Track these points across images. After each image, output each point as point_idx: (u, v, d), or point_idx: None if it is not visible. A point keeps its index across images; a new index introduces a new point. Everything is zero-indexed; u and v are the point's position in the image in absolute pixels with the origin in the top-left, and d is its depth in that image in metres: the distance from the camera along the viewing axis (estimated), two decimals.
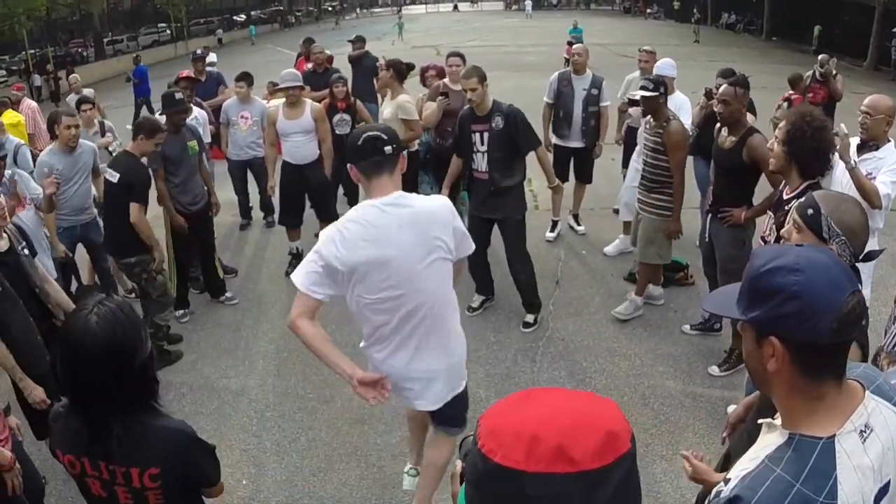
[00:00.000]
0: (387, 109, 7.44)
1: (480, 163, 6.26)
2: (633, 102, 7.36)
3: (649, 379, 5.70)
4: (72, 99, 10.60)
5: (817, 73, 10.86)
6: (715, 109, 5.83)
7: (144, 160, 6.11)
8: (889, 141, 4.97)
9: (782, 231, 3.21)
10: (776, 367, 1.61)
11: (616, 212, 9.11)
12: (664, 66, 7.82)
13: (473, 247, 3.52)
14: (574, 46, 8.46)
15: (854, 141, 5.01)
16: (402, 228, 3.21)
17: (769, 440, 1.70)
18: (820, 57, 11.30)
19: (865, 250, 2.82)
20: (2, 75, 31.98)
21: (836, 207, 2.81)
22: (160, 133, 5.94)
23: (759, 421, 1.81)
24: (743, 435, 3.19)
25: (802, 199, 2.99)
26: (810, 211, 2.84)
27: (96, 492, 2.30)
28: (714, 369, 5.73)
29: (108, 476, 2.23)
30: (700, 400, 5.40)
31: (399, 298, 3.28)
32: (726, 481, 1.70)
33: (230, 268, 8.06)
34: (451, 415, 3.87)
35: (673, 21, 48.78)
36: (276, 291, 7.64)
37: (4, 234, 4.29)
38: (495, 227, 6.59)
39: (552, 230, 8.56)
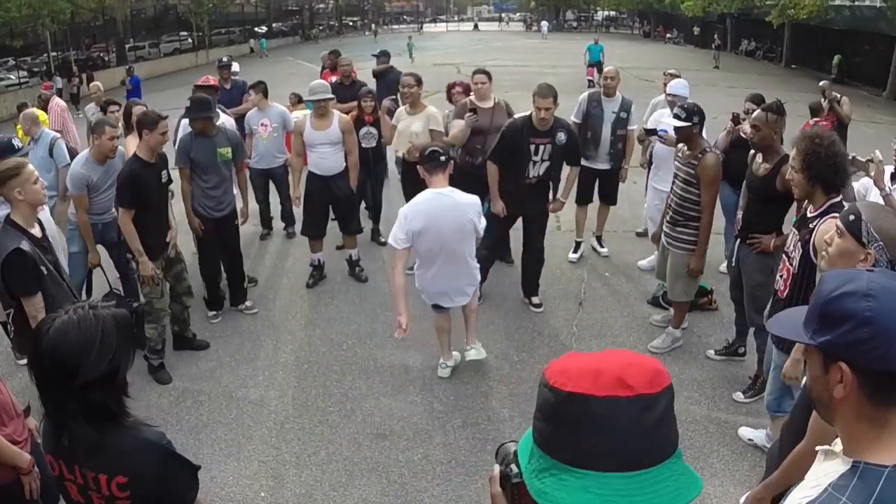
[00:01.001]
0: (416, 123, 7.41)
1: (532, 171, 6.75)
2: (649, 132, 7.36)
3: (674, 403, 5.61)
4: (90, 108, 10.53)
5: (823, 103, 10.87)
6: (743, 135, 5.80)
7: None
8: None
9: (826, 236, 3.33)
10: (843, 393, 1.57)
11: (639, 234, 9.12)
12: (676, 86, 7.84)
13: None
14: (606, 69, 8.41)
15: (888, 169, 4.97)
16: (446, 209, 5.45)
17: (829, 468, 1.66)
18: (821, 84, 11.31)
19: None
20: (24, 76, 32.21)
21: (876, 216, 2.98)
22: (162, 121, 5.82)
23: (817, 448, 1.78)
24: (774, 462, 3.19)
25: (846, 207, 3.21)
26: (852, 217, 3.00)
27: (74, 497, 2.28)
28: (739, 395, 5.67)
29: (81, 480, 2.20)
30: (725, 426, 5.33)
31: (437, 249, 5.53)
32: None
33: (251, 277, 8.05)
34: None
35: (692, 46, 48.86)
36: (296, 302, 7.61)
37: (36, 222, 4.35)
38: None
39: (575, 251, 8.52)
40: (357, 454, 5.12)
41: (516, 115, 6.98)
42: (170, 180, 6.23)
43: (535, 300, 7.29)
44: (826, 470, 1.67)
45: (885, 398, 1.56)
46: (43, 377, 2.11)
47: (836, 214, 3.72)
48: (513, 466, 1.40)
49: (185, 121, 7.63)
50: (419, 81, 7.68)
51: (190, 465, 2.35)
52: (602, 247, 8.77)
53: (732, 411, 5.50)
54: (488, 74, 7.76)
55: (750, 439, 5.12)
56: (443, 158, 5.54)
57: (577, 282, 7.86)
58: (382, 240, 9.01)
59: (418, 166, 5.64)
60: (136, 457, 2.18)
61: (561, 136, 6.66)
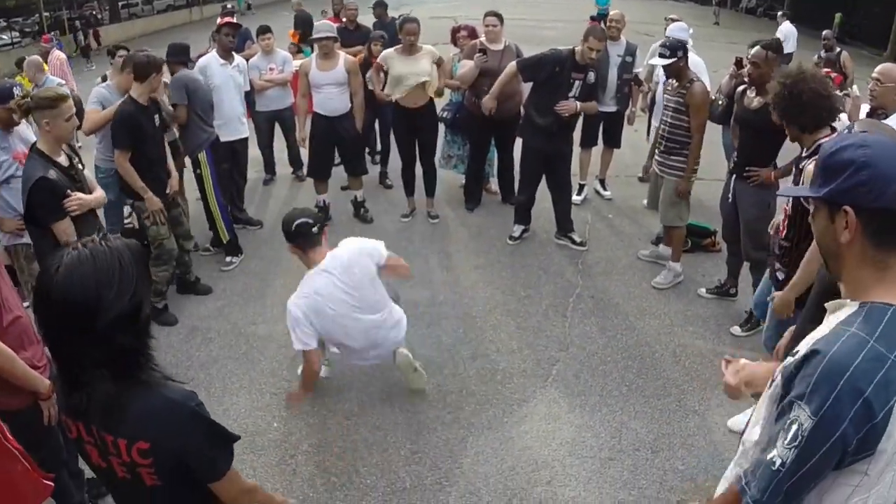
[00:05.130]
0: (423, 61, 7.33)
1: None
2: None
3: (679, 338, 5.70)
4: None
5: (822, 54, 10.98)
6: (744, 72, 5.86)
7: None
8: None
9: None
10: (849, 237, 1.74)
11: (641, 180, 9.15)
12: (675, 29, 8.11)
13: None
14: (612, 13, 8.38)
15: (864, 108, 5.03)
16: (339, 283, 4.41)
17: (839, 315, 1.80)
18: (824, 33, 11.48)
19: None
20: (16, 37, 31.81)
21: (864, 126, 2.94)
22: (156, 76, 5.78)
23: (827, 304, 1.91)
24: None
25: None
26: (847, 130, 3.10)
27: (95, 461, 2.05)
28: (736, 329, 5.78)
29: (101, 443, 1.97)
30: None
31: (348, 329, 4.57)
32: (794, 354, 1.81)
33: (255, 220, 8.07)
34: None
35: (692, 3, 48.32)
36: None
37: (63, 152, 4.50)
38: None
39: (578, 193, 8.53)
40: (369, 385, 5.17)
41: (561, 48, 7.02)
42: (163, 124, 6.19)
43: (576, 238, 7.36)
44: (836, 317, 1.80)
45: (886, 241, 1.74)
46: (56, 325, 1.83)
47: None
48: None
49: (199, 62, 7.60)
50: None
51: (224, 433, 2.07)
52: (605, 190, 8.81)
53: (737, 346, 5.56)
54: (500, 17, 7.72)
55: None
56: (315, 230, 4.45)
57: (582, 223, 7.86)
58: (389, 183, 9.04)
59: (290, 246, 4.56)
60: (160, 420, 1.91)
61: (591, 76, 6.84)
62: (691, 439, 4.56)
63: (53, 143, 4.42)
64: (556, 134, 6.90)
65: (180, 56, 7.07)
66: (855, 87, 4.83)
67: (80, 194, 4.47)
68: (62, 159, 4.48)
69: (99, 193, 4.80)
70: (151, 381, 1.92)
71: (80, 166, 4.66)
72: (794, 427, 1.65)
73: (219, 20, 7.88)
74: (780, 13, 14.18)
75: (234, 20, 7.92)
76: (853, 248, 1.75)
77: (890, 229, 1.73)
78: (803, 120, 4.06)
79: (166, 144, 6.31)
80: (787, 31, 15.35)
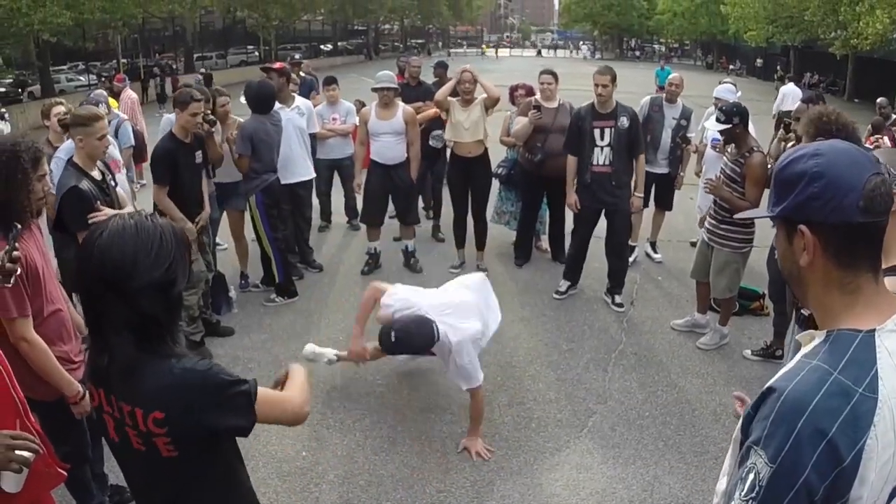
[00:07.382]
0: (475, 110, 7.52)
1: (599, 156, 6.83)
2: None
3: (721, 397, 5.60)
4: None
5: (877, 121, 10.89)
6: (792, 135, 5.84)
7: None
8: None
9: None
10: (809, 259, 1.55)
11: (693, 244, 9.07)
12: (722, 90, 8.15)
13: None
14: (671, 76, 8.47)
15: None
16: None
17: (807, 349, 1.61)
18: (878, 100, 11.33)
19: None
20: (93, 80, 33.10)
21: (891, 157, 2.93)
22: (194, 103, 5.86)
23: (797, 337, 1.74)
24: None
25: None
26: None
27: (111, 434, 2.08)
28: None
29: (118, 414, 2.00)
30: None
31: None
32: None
33: (317, 263, 8.27)
34: None
35: (755, 78, 48.37)
36: (350, 287, 7.72)
37: (96, 167, 4.74)
38: None
39: (629, 254, 8.46)
40: (401, 424, 5.18)
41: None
42: (205, 161, 6.32)
43: (617, 299, 7.27)
44: (804, 351, 1.62)
45: (852, 260, 1.54)
46: (91, 285, 1.91)
47: None
48: None
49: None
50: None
51: (239, 402, 2.02)
52: (656, 253, 8.77)
53: None
54: (555, 75, 7.88)
55: None
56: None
57: (630, 283, 7.81)
58: (441, 236, 9.13)
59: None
60: (170, 390, 1.94)
61: (624, 121, 6.82)
62: None
63: (86, 158, 4.65)
64: (599, 190, 6.93)
65: (263, 106, 6.98)
66: (885, 138, 4.84)
67: (106, 209, 4.54)
68: (95, 173, 4.69)
69: (129, 209, 4.92)
70: (171, 354, 1.98)
71: (112, 182, 4.89)
72: (752, 476, 1.44)
73: (278, 63, 8.22)
74: (782, 74, 14.80)
75: (285, 65, 8.27)
76: (815, 272, 1.57)
77: (852, 246, 1.53)
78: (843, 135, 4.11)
79: (204, 180, 6.42)
80: (788, 90, 16.39)
